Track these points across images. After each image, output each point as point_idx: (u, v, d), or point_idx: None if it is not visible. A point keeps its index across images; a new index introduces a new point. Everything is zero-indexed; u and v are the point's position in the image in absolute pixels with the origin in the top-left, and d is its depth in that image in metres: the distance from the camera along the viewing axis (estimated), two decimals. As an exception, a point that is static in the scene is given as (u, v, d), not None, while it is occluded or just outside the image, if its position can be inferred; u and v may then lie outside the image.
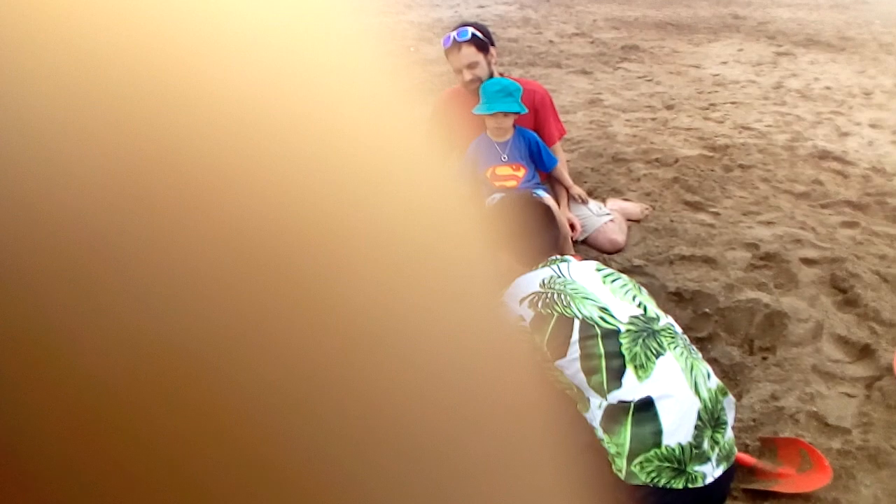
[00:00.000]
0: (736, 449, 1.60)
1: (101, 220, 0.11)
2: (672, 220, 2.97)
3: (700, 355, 1.66)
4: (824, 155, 3.70)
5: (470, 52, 2.62)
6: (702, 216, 3.04)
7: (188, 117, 0.12)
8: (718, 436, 1.54)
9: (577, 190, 2.83)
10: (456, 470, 0.15)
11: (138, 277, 0.11)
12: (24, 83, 0.11)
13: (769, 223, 2.97)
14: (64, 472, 0.11)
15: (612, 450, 1.49)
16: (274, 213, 0.12)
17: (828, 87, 5.07)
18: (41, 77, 0.11)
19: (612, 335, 1.57)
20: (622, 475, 1.47)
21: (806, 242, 2.78)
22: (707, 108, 4.59)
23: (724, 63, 5.93)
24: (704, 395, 1.54)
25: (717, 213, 3.07)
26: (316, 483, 0.13)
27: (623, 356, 1.54)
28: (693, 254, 2.70)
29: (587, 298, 1.64)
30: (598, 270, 1.77)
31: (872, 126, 4.21)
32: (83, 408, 0.11)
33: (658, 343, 1.57)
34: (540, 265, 1.77)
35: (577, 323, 1.59)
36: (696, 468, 1.48)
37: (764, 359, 2.19)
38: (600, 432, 1.51)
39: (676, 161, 3.56)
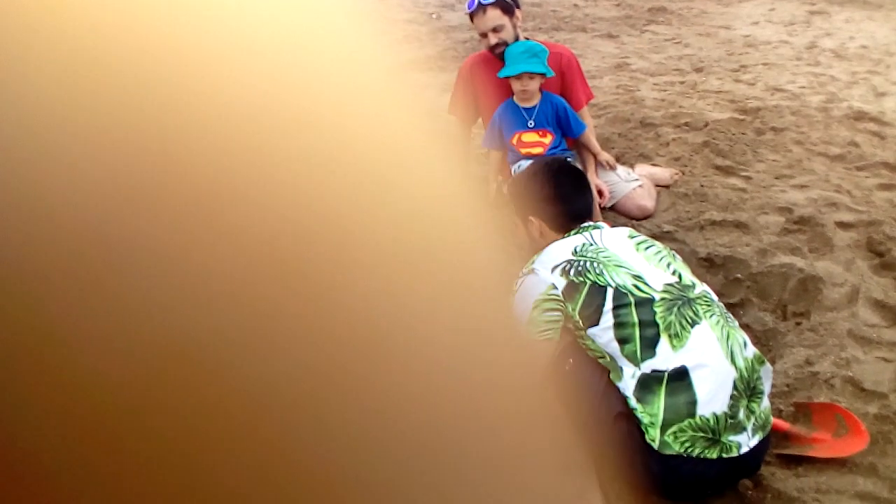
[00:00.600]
0: (772, 418, 1.58)
1: (105, 220, 0.11)
2: (702, 185, 2.92)
3: (737, 323, 1.64)
4: (860, 116, 3.59)
5: (495, 15, 2.57)
6: (733, 180, 2.98)
7: (191, 114, 0.12)
8: (754, 405, 1.52)
9: (604, 156, 2.80)
10: (462, 469, 0.14)
11: (142, 277, 0.11)
12: (27, 82, 0.11)
13: (803, 187, 2.91)
14: (66, 472, 0.11)
15: (646, 419, 1.48)
16: (279, 212, 0.12)
17: (864, 46, 4.90)
18: (43, 75, 0.11)
19: (646, 303, 1.54)
20: (655, 445, 1.46)
21: (841, 206, 2.72)
22: (738, 70, 4.48)
23: (756, 23, 5.76)
24: (741, 364, 1.52)
25: (748, 178, 3.01)
26: (322, 483, 0.13)
27: (657, 325, 1.52)
28: (724, 219, 2.66)
29: (620, 266, 1.61)
30: (632, 237, 1.74)
31: (911, 85, 4.08)
32: (86, 408, 0.11)
33: (693, 311, 1.55)
34: (572, 232, 1.75)
35: (609, 291, 1.57)
36: (731, 438, 1.47)
37: (798, 324, 2.16)
38: (633, 402, 1.50)
39: (706, 125, 3.48)
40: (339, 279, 0.13)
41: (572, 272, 1.63)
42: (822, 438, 1.71)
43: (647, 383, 1.49)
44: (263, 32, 0.13)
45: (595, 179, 2.71)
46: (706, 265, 2.41)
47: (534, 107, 2.63)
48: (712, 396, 1.46)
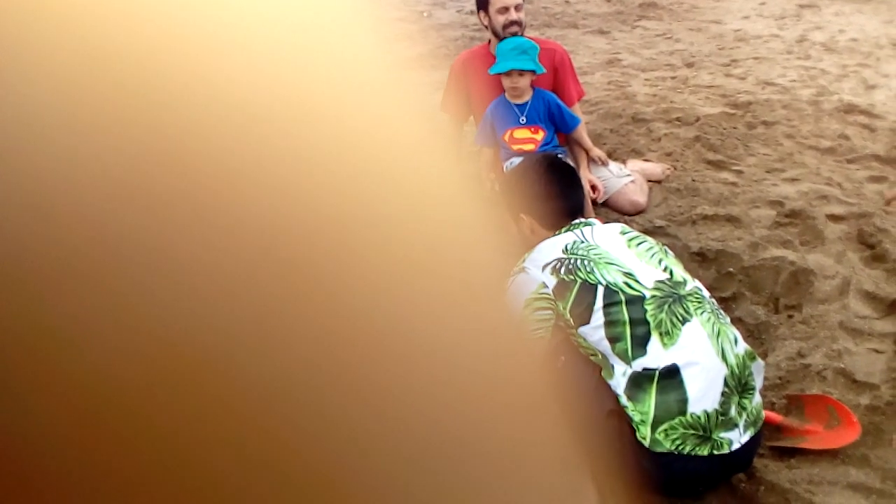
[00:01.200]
0: (764, 413, 1.59)
1: (107, 218, 0.11)
2: (694, 180, 2.92)
3: (728, 320, 1.64)
4: (850, 109, 3.61)
5: None
6: (724, 175, 2.99)
7: (191, 112, 0.12)
8: (746, 401, 1.52)
9: (596, 152, 2.80)
10: (460, 464, 0.14)
11: (142, 276, 0.11)
12: (28, 81, 0.11)
13: (794, 180, 2.92)
14: (68, 472, 0.11)
15: (637, 417, 1.49)
16: (280, 211, 0.12)
17: (854, 39, 4.92)
18: (45, 74, 0.11)
19: (636, 301, 1.54)
20: (646, 442, 1.47)
21: (832, 198, 2.73)
22: (729, 65, 4.49)
23: (746, 17, 5.77)
24: (731, 360, 1.52)
25: (740, 172, 3.02)
26: (324, 483, 0.13)
27: (648, 323, 1.52)
28: (716, 213, 2.66)
29: (611, 263, 1.61)
30: (623, 234, 1.73)
31: (901, 77, 4.09)
32: (88, 407, 0.11)
33: (684, 309, 1.55)
34: (563, 229, 1.74)
35: (600, 289, 1.57)
36: (722, 435, 1.47)
37: (790, 317, 2.17)
38: (624, 399, 1.50)
39: (698, 119, 3.49)
40: (341, 276, 0.13)
41: (563, 270, 1.62)
42: (815, 430, 1.72)
43: (638, 381, 1.50)
44: (261, 31, 0.13)
45: (588, 175, 2.72)
46: (698, 259, 2.42)
47: (526, 103, 2.63)
48: (703, 394, 1.47)
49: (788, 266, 2.31)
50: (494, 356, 0.16)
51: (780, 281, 2.28)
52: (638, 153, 3.21)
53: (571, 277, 1.60)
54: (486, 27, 2.75)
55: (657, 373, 1.48)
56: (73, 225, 0.11)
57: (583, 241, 1.67)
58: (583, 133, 2.80)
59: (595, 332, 1.56)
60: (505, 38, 2.62)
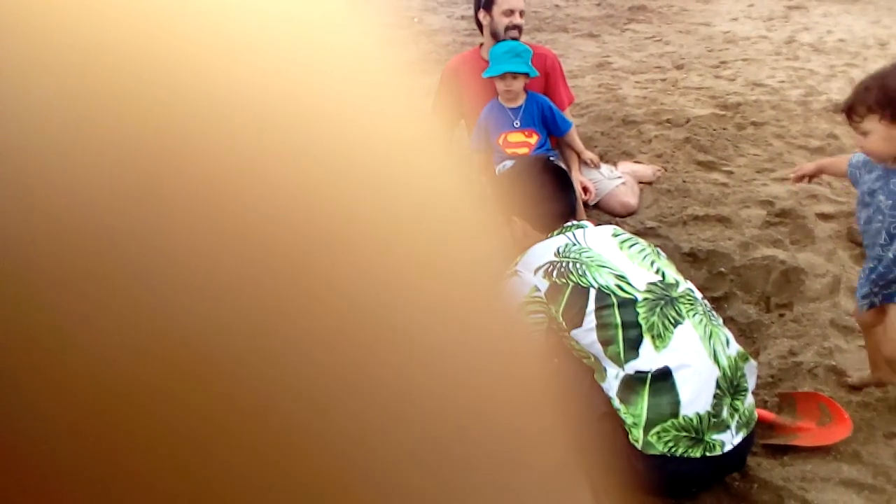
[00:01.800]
0: (756, 414, 1.60)
1: (108, 217, 0.11)
2: (685, 181, 2.94)
3: (720, 321, 1.65)
4: (839, 108, 3.63)
5: None
6: (715, 175, 3.01)
7: (191, 112, 0.12)
8: (738, 403, 1.53)
9: (588, 154, 2.81)
10: (468, 463, 0.14)
11: (143, 276, 0.11)
12: (28, 80, 0.11)
13: (784, 180, 2.93)
14: (70, 472, 0.11)
15: (629, 420, 1.49)
16: (281, 210, 0.12)
17: (841, 40, 4.96)
18: (45, 73, 0.11)
19: (628, 304, 1.55)
20: (639, 445, 1.47)
21: (822, 197, 2.75)
22: (718, 66, 4.52)
23: (735, 19, 5.81)
24: (724, 362, 1.53)
25: (730, 172, 3.04)
26: (326, 482, 0.13)
27: (640, 326, 1.52)
28: (707, 213, 2.68)
29: (603, 266, 1.61)
30: (616, 236, 1.74)
31: (888, 77, 4.12)
32: (89, 407, 0.11)
33: (676, 311, 1.55)
34: (555, 232, 1.74)
35: (592, 293, 1.57)
36: (715, 437, 1.48)
37: (781, 315, 2.18)
38: (617, 402, 1.51)
39: (688, 121, 3.51)
40: (344, 279, 0.13)
41: (555, 274, 1.63)
42: (807, 427, 1.74)
43: (631, 384, 1.50)
44: (260, 31, 0.13)
45: (580, 177, 2.73)
46: (690, 260, 2.43)
47: (519, 107, 2.64)
48: (695, 396, 1.47)
49: (779, 265, 2.32)
50: (492, 357, 0.16)
51: (771, 280, 2.30)
52: (629, 155, 3.23)
53: (563, 281, 1.61)
54: (485, 28, 2.76)
55: (649, 375, 1.49)
56: (74, 223, 0.11)
57: (575, 244, 1.67)
58: (574, 136, 2.81)
59: (587, 334, 1.56)
60: (503, 40, 2.63)
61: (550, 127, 2.69)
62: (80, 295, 0.11)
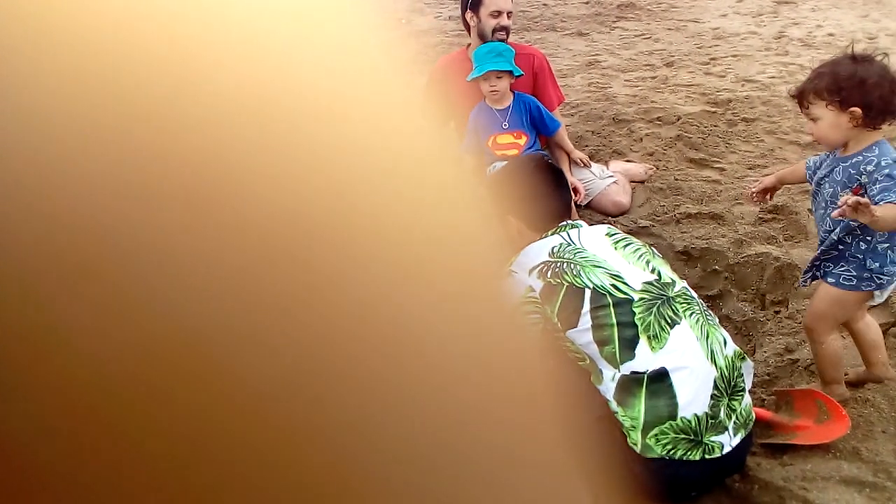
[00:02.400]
0: (754, 414, 1.58)
1: (109, 215, 0.11)
2: (677, 179, 2.93)
3: (717, 321, 1.63)
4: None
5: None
6: (707, 173, 3.00)
7: (190, 112, 0.12)
8: (736, 403, 1.52)
9: (578, 154, 2.80)
10: (469, 461, 0.14)
11: (143, 276, 0.11)
12: (29, 80, 0.11)
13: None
14: (70, 471, 0.11)
15: (627, 423, 1.47)
16: (279, 209, 0.12)
17: (831, 34, 4.97)
18: (45, 73, 0.11)
19: (624, 304, 1.53)
20: (637, 448, 1.45)
21: (814, 193, 2.74)
22: (708, 63, 4.51)
23: (724, 15, 5.81)
24: (721, 363, 1.51)
25: (722, 169, 3.03)
26: (326, 479, 0.13)
27: (636, 326, 1.51)
28: (700, 211, 2.67)
29: (598, 266, 1.59)
30: (610, 235, 1.72)
31: (877, 70, 4.13)
32: (89, 407, 0.11)
33: (673, 311, 1.54)
34: (550, 232, 1.72)
35: (587, 293, 1.55)
36: (713, 438, 1.46)
37: (776, 312, 2.17)
38: (614, 405, 1.49)
39: (679, 119, 3.50)
40: (343, 279, 0.13)
41: (549, 274, 1.61)
42: (805, 425, 1.72)
43: (627, 386, 1.48)
44: (258, 31, 0.13)
45: (570, 178, 2.71)
46: (684, 258, 2.42)
47: (507, 108, 2.62)
48: (693, 398, 1.46)
49: (773, 262, 2.31)
50: (492, 354, 0.16)
51: (766, 277, 2.29)
52: (620, 154, 3.22)
53: (558, 281, 1.59)
54: (472, 29, 2.75)
55: (646, 377, 1.47)
56: (74, 222, 0.11)
57: (569, 244, 1.66)
58: (563, 136, 2.80)
59: (583, 335, 1.54)
60: (490, 41, 2.62)
61: (539, 127, 2.67)
62: (80, 295, 0.11)
